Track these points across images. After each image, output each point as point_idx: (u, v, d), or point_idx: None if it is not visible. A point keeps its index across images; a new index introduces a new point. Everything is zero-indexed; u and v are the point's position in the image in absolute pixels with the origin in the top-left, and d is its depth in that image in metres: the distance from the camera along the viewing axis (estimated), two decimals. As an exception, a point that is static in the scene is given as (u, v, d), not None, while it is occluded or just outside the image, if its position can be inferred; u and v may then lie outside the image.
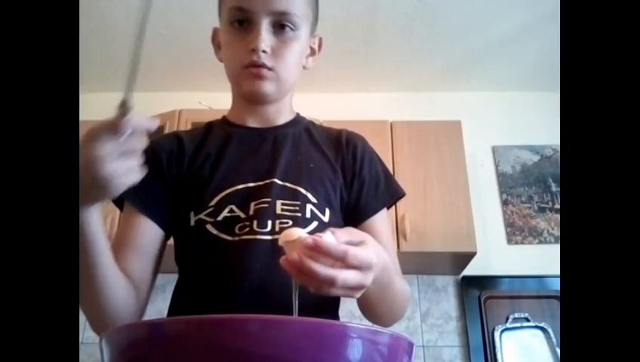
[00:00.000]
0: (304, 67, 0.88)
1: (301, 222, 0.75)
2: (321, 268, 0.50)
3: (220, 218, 0.76)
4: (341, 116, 2.37)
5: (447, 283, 2.47)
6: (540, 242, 2.52)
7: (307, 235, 0.51)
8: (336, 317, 0.81)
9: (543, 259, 2.44)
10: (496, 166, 2.71)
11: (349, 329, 0.44)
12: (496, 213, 2.59)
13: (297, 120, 0.92)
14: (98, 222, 0.63)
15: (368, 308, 0.75)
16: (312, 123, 0.93)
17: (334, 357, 0.42)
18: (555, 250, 2.48)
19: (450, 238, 2.22)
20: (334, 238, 0.53)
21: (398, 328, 2.23)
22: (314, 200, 0.78)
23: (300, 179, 0.80)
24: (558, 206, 2.60)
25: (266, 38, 0.78)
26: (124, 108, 0.53)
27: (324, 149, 0.86)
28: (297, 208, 0.77)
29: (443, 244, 2.21)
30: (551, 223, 2.56)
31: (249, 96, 0.85)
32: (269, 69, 0.79)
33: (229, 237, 0.74)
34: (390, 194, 0.87)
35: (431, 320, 2.40)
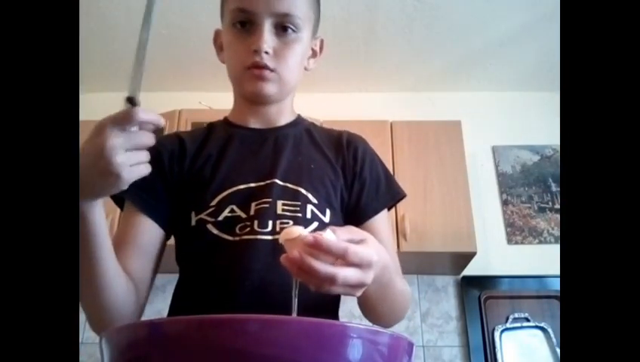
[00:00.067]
0: (305, 68, 0.88)
1: (302, 223, 0.75)
2: (322, 266, 0.50)
3: (220, 218, 0.76)
4: (341, 116, 2.37)
5: (447, 283, 2.46)
6: (540, 242, 2.52)
7: (307, 233, 0.51)
8: (336, 317, 0.81)
9: (543, 259, 2.44)
10: (496, 166, 2.71)
11: (349, 329, 0.44)
12: (496, 213, 2.59)
13: (298, 121, 0.92)
14: (101, 216, 0.63)
15: (369, 307, 0.75)
16: (312, 124, 0.94)
17: (334, 357, 0.42)
18: (555, 250, 2.48)
19: (450, 238, 2.22)
20: (335, 236, 0.53)
21: (398, 328, 2.22)
22: (314, 200, 0.79)
23: (300, 180, 0.80)
24: (558, 206, 2.60)
25: (268, 40, 0.79)
26: (131, 102, 0.54)
27: (324, 150, 0.87)
28: (298, 208, 0.77)
29: (443, 244, 2.21)
30: (551, 223, 2.56)
31: (251, 97, 0.85)
32: (271, 70, 0.80)
33: (230, 237, 0.74)
34: (391, 195, 0.87)
35: (431, 320, 2.40)
